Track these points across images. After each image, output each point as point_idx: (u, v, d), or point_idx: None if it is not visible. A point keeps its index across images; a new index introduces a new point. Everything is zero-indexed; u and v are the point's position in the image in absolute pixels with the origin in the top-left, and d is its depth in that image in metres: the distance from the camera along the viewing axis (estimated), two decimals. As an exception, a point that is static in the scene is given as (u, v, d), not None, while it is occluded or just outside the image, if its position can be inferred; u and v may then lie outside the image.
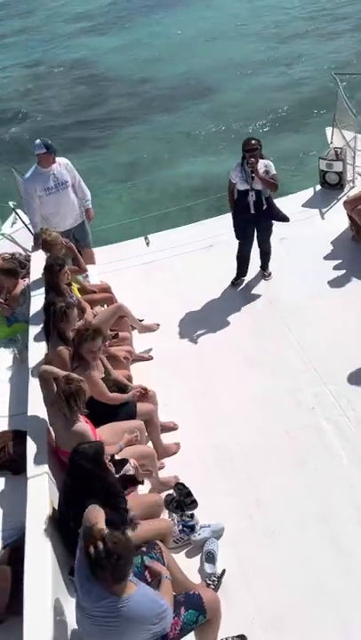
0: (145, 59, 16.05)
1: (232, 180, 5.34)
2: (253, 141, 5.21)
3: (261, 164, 5.21)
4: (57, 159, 5.69)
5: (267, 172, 5.22)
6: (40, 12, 22.31)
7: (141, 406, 4.07)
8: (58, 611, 2.73)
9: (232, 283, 5.84)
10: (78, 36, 19.32)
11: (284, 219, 5.56)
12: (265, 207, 5.36)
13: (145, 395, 4.19)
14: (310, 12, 17.52)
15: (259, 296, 5.70)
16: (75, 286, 5.07)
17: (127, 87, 14.81)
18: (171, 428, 4.42)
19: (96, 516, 2.67)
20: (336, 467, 3.95)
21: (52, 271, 4.59)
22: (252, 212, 5.36)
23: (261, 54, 15.24)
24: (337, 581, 3.33)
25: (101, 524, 2.61)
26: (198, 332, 5.40)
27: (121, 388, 4.16)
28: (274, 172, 5.27)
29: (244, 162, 5.19)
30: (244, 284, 5.88)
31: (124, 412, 3.99)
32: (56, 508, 3.19)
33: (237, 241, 5.66)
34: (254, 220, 5.46)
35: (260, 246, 5.75)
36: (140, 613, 2.45)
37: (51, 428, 3.73)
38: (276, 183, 5.28)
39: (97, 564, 2.40)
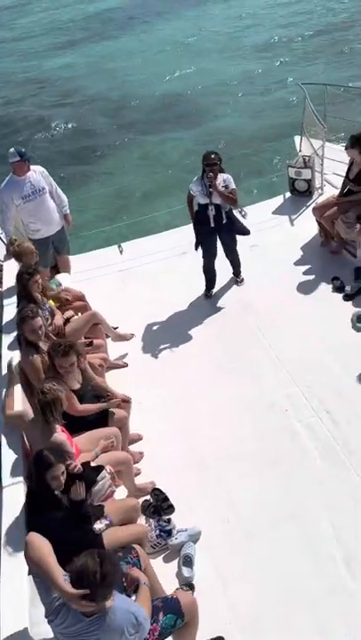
0: (124, 75, 16.02)
1: (192, 192, 5.36)
2: (213, 155, 5.23)
3: (220, 179, 5.25)
4: (32, 167, 5.69)
5: (226, 186, 5.25)
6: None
7: (115, 412, 4.07)
8: (34, 620, 2.71)
9: (205, 295, 5.90)
10: (53, 51, 19.17)
11: (245, 232, 5.63)
12: (225, 221, 5.39)
13: (125, 404, 4.21)
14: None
15: (231, 302, 5.78)
16: (48, 293, 5.06)
17: (109, 106, 14.68)
18: (135, 439, 4.41)
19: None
20: (309, 468, 4.02)
21: (22, 280, 4.60)
22: (212, 225, 5.40)
23: (237, 68, 15.50)
24: (313, 582, 3.38)
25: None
26: (172, 339, 5.43)
27: (98, 395, 4.15)
28: (233, 187, 5.30)
29: (204, 175, 5.23)
30: (217, 290, 5.94)
31: (96, 419, 3.98)
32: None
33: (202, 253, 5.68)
34: (215, 232, 5.50)
35: (227, 257, 5.80)
36: (117, 624, 2.46)
37: (25, 438, 3.71)
38: (235, 198, 5.30)
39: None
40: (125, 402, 4.21)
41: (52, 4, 23.25)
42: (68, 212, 6.03)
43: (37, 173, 5.72)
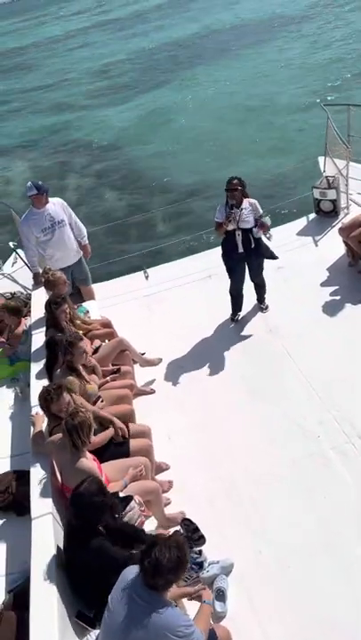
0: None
1: (217, 220, 5.32)
2: (235, 181, 5.21)
3: (246, 203, 5.24)
4: (50, 199, 5.80)
5: (258, 216, 5.22)
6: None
7: (135, 442, 4.03)
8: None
9: (231, 319, 5.86)
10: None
11: (273, 257, 5.60)
12: (253, 245, 5.37)
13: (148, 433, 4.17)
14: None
15: (258, 325, 5.72)
16: (76, 323, 5.11)
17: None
18: (163, 468, 4.33)
19: None
20: (344, 495, 3.89)
21: (51, 308, 4.66)
22: (241, 250, 5.37)
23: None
24: (350, 613, 3.25)
25: None
26: (199, 364, 5.39)
27: (103, 424, 4.07)
28: (261, 212, 5.30)
29: (228, 201, 5.21)
30: (243, 314, 5.90)
31: (118, 450, 3.94)
32: (62, 548, 3.14)
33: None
34: (244, 258, 5.48)
35: (252, 281, 5.75)
36: (165, 624, 2.48)
37: (55, 465, 3.70)
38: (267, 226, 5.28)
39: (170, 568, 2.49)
40: (124, 437, 4.05)
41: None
42: (87, 242, 6.07)
43: (57, 205, 5.81)
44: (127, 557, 2.90)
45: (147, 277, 6.79)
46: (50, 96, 19.96)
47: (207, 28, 21.64)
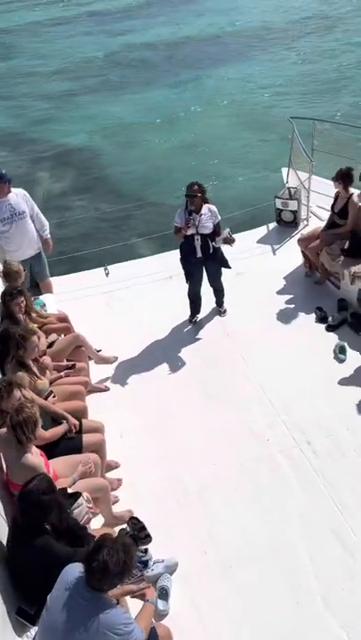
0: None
1: (176, 224, 5.34)
2: (195, 187, 5.24)
3: (205, 209, 5.30)
4: (13, 189, 5.68)
5: (213, 220, 5.29)
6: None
7: (88, 438, 4.00)
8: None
9: (189, 321, 5.90)
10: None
11: (227, 265, 5.65)
12: (211, 251, 5.43)
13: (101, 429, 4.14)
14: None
15: (216, 328, 5.79)
16: (32, 315, 5.02)
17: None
18: (113, 466, 4.32)
19: None
20: (289, 498, 3.99)
21: (6, 300, 4.57)
22: (199, 255, 5.43)
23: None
24: (291, 617, 3.32)
25: None
26: (155, 364, 5.41)
27: (55, 420, 4.04)
28: (219, 219, 5.36)
29: (187, 206, 5.24)
30: (202, 316, 5.95)
31: (70, 445, 3.90)
32: (4, 543, 3.08)
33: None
34: (202, 262, 5.53)
35: (211, 285, 5.82)
36: (107, 623, 2.47)
37: (2, 460, 3.62)
38: (219, 232, 5.36)
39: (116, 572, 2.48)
40: (76, 428, 4.03)
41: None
42: (49, 236, 5.99)
43: (19, 196, 5.69)
44: (71, 554, 2.88)
45: (107, 274, 6.75)
46: (19, 89, 19.51)
47: (193, 33, 21.66)
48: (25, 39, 23.55)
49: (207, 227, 5.30)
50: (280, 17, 22.68)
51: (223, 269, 5.72)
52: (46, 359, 4.51)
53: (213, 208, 5.37)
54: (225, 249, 5.63)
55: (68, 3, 26.47)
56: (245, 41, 20.68)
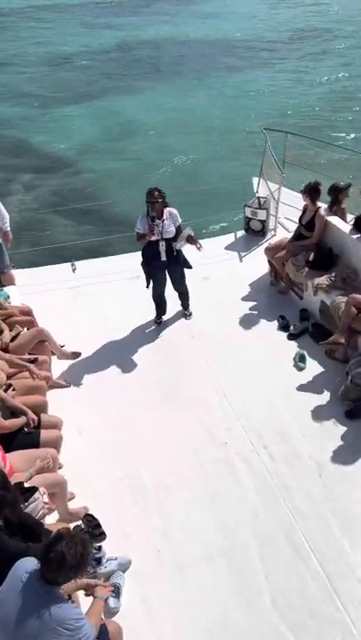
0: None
1: (138, 231, 5.33)
2: (156, 193, 5.25)
3: (166, 214, 5.33)
4: None
5: (178, 228, 5.34)
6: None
7: (46, 434, 3.97)
8: None
9: (154, 322, 5.93)
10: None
11: (188, 266, 5.69)
12: (175, 253, 5.47)
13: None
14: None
15: (180, 330, 5.84)
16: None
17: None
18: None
19: None
20: (244, 501, 4.06)
21: None
22: (163, 259, 5.46)
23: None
24: (240, 618, 3.38)
25: None
26: (118, 362, 5.41)
27: (15, 413, 3.99)
28: (180, 222, 5.41)
29: (149, 212, 5.26)
30: (167, 317, 5.99)
31: (27, 440, 3.86)
32: None
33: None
34: (165, 266, 5.56)
35: (176, 290, 5.86)
36: (59, 617, 2.47)
37: None
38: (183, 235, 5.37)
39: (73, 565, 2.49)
40: (34, 423, 3.99)
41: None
42: (9, 229, 5.92)
43: None
44: (24, 549, 2.85)
45: (74, 270, 6.70)
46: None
47: (177, 37, 21.72)
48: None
49: (170, 231, 5.35)
50: (272, 31, 23.04)
51: (187, 273, 5.76)
52: (5, 356, 4.42)
53: (174, 211, 5.40)
54: (193, 254, 5.68)
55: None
56: (228, 51, 20.92)
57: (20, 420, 3.88)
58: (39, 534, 3.07)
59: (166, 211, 5.34)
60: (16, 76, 18.80)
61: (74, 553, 2.46)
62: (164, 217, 5.31)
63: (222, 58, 20.36)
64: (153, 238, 5.29)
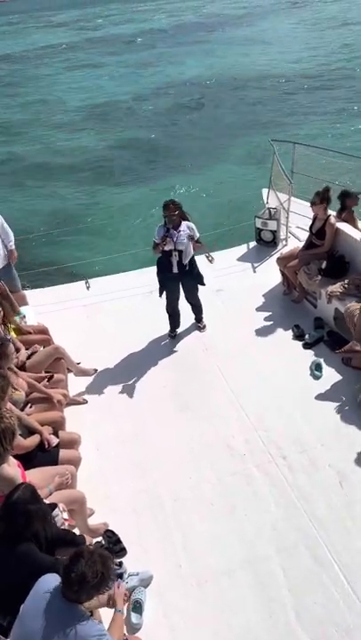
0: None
1: (155, 240, 5.42)
2: (171, 205, 5.34)
3: (184, 226, 5.40)
4: None
5: (191, 236, 5.42)
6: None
7: (65, 453, 3.99)
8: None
9: (168, 335, 5.96)
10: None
11: (202, 282, 5.75)
12: (187, 267, 5.53)
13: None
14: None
15: (194, 343, 5.85)
16: (10, 327, 5.02)
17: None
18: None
19: None
20: (264, 513, 4.02)
21: None
22: (175, 270, 5.52)
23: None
24: (263, 631, 3.34)
25: None
26: (134, 377, 5.43)
27: (32, 432, 4.02)
28: (198, 235, 5.49)
29: (166, 223, 5.34)
30: (181, 330, 6.01)
31: (46, 457, 3.88)
32: None
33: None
34: (178, 278, 5.62)
35: (188, 302, 5.89)
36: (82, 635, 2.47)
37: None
38: (202, 245, 5.53)
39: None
40: (49, 444, 4.00)
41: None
42: (14, 247, 5.96)
43: None
44: (52, 563, 2.86)
45: (88, 287, 6.78)
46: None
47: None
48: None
49: (185, 243, 5.40)
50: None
51: (207, 286, 5.79)
52: (24, 374, 4.47)
53: (192, 225, 5.47)
54: (206, 267, 5.72)
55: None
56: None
57: (38, 437, 3.91)
58: (77, 543, 3.07)
59: (184, 223, 5.42)
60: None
61: (94, 572, 2.46)
62: (181, 229, 5.37)
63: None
64: (166, 248, 5.35)
